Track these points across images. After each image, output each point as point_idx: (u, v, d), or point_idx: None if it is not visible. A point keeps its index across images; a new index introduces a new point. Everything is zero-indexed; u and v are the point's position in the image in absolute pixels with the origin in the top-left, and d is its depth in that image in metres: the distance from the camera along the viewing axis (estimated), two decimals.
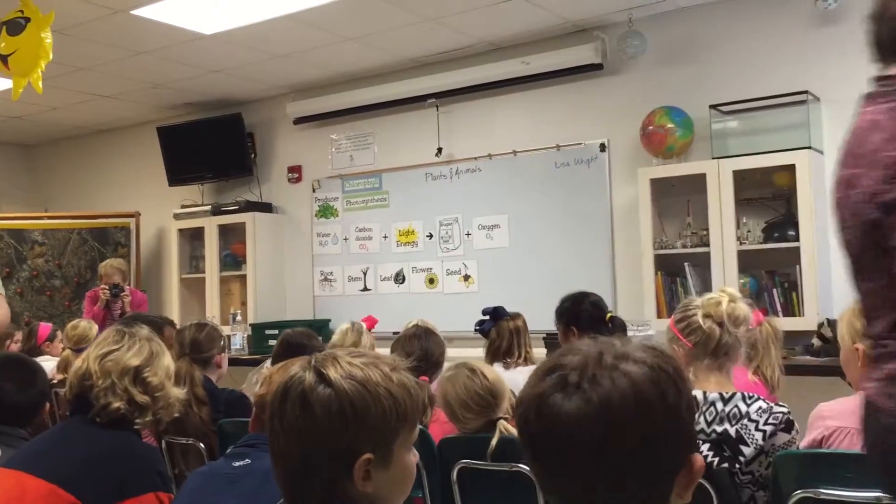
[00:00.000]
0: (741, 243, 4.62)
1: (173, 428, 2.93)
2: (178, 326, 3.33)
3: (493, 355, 3.70)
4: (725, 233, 4.60)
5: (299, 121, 6.66)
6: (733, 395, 2.15)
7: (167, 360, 2.22)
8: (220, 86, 6.47)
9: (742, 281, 4.60)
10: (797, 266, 4.44)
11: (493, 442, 2.48)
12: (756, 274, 4.68)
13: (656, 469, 0.98)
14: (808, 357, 4.32)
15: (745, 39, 4.89)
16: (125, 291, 5.91)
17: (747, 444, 2.07)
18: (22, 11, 4.07)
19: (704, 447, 2.10)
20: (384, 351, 3.11)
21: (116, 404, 2.04)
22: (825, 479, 1.98)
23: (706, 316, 2.21)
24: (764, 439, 2.07)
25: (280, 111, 6.70)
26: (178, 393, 2.23)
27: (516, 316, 3.75)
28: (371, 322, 4.00)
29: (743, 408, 2.12)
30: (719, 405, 2.14)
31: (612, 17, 5.14)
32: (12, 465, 1.99)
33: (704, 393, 2.17)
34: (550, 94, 5.59)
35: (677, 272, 4.87)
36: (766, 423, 2.08)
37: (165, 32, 5.11)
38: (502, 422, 2.53)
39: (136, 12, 4.76)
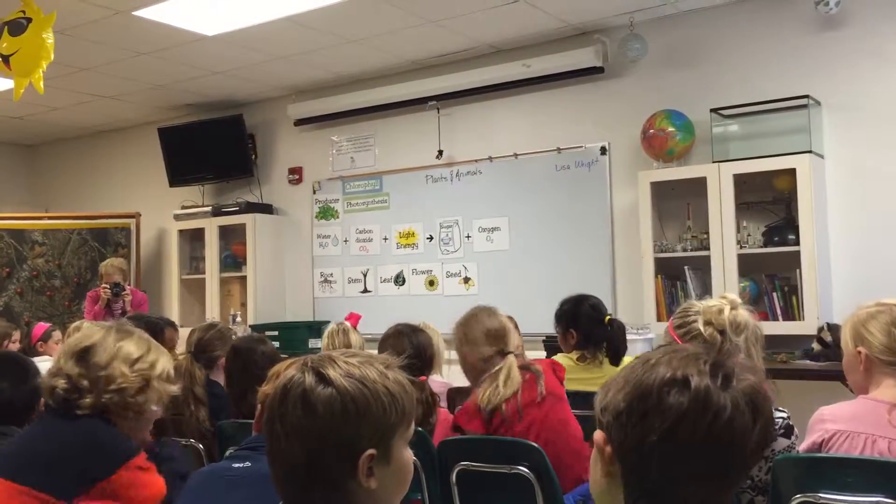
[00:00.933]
0: (741, 247, 4.62)
1: (172, 428, 2.92)
2: (178, 327, 3.33)
3: None
4: (726, 236, 4.60)
5: (300, 122, 6.66)
6: None
7: (130, 347, 2.07)
8: (221, 87, 6.48)
9: (742, 284, 4.60)
10: (797, 270, 4.44)
11: (506, 371, 2.67)
12: (756, 278, 4.68)
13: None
14: (807, 361, 4.31)
15: (746, 43, 4.89)
16: (126, 291, 5.91)
17: None
18: (24, 12, 4.07)
19: None
20: (373, 349, 3.11)
21: (59, 385, 1.97)
22: (825, 483, 1.98)
23: (707, 323, 2.19)
24: None
25: (281, 112, 6.71)
26: (163, 387, 2.09)
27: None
28: (354, 319, 3.97)
29: None
30: None
31: (613, 20, 5.14)
32: None
33: None
34: (551, 97, 5.60)
35: (677, 275, 4.87)
36: None
37: (167, 33, 5.12)
38: (511, 356, 2.76)
39: (137, 13, 4.76)
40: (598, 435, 1.08)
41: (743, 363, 1.06)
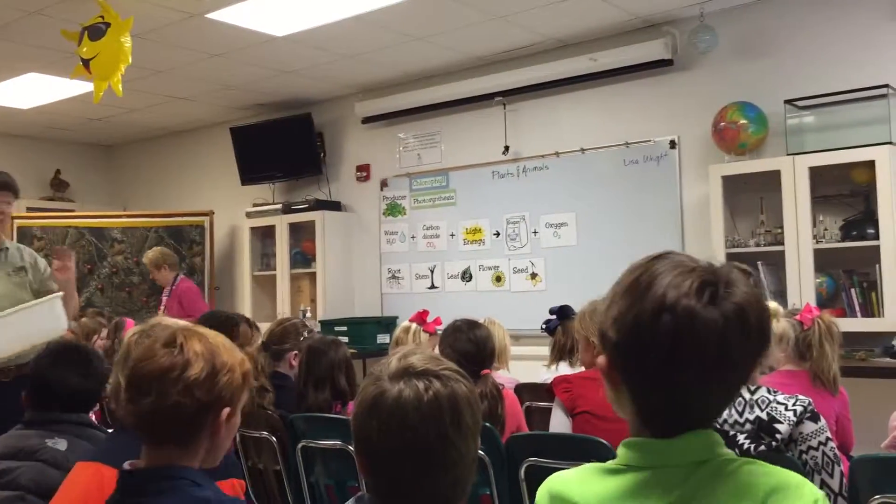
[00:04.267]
0: (817, 242, 4.50)
1: (245, 421, 2.99)
2: (253, 323, 3.42)
3: (559, 354, 3.69)
4: (801, 231, 4.48)
5: (367, 120, 6.73)
6: (758, 387, 2.25)
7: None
8: (290, 86, 6.59)
9: (819, 280, 4.48)
10: (877, 265, 4.30)
11: None
12: (833, 273, 4.55)
13: None
14: (887, 359, 4.18)
15: (821, 32, 4.75)
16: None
17: (780, 422, 2.15)
18: (102, 17, 4.21)
19: (741, 437, 2.18)
20: None
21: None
22: None
23: None
24: (794, 421, 2.16)
25: (349, 111, 6.79)
26: None
27: None
28: (421, 318, 3.81)
29: (769, 396, 2.23)
30: (746, 395, 2.24)
31: (682, 11, 5.06)
32: (91, 459, 2.07)
33: None
34: (619, 91, 5.53)
35: (750, 272, 4.75)
36: (793, 406, 2.18)
37: (238, 35, 5.23)
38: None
39: (210, 16, 4.88)
40: (602, 360, 1.13)
41: (734, 275, 1.09)
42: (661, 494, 1.06)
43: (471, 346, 2.99)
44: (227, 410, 1.58)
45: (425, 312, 3.86)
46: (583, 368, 3.17)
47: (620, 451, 1.13)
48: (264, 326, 3.86)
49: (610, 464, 1.14)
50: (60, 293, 3.66)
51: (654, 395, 1.09)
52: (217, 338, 1.65)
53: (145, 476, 1.57)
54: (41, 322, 3.55)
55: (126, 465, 1.58)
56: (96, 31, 4.22)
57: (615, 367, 1.12)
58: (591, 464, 1.17)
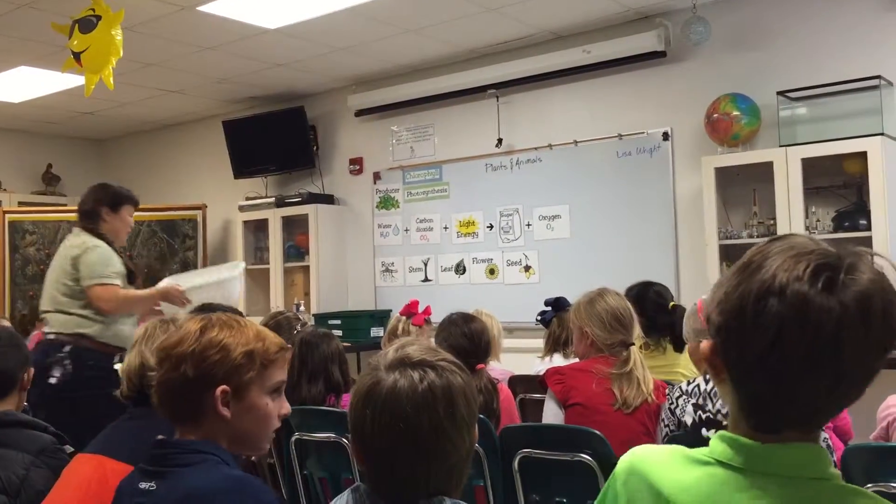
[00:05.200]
0: (810, 233, 4.51)
1: None
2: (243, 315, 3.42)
3: (553, 345, 3.72)
4: (794, 222, 4.49)
5: (360, 113, 6.72)
6: None
7: None
8: (283, 79, 6.57)
9: None
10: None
11: (632, 362, 2.75)
12: None
13: None
14: None
15: (814, 23, 4.76)
16: None
17: None
18: (93, 10, 4.18)
19: (711, 433, 2.15)
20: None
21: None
22: None
23: None
24: None
25: (342, 103, 6.77)
26: None
27: None
28: (410, 310, 3.85)
29: None
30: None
31: (675, 3, 5.05)
32: (91, 451, 2.06)
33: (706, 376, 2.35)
34: (612, 83, 5.53)
35: None
36: None
37: (230, 27, 5.21)
38: (634, 348, 2.81)
39: (202, 8, 4.86)
40: (706, 345, 1.05)
41: (859, 260, 0.98)
42: (750, 500, 0.99)
43: (465, 340, 3.00)
44: (221, 388, 1.60)
45: (414, 303, 3.86)
46: (576, 360, 3.18)
47: (714, 442, 1.05)
48: (258, 320, 3.85)
49: (698, 453, 1.06)
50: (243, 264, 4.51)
51: (755, 385, 1.00)
52: (231, 319, 1.68)
53: (175, 447, 1.61)
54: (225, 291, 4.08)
55: (159, 437, 1.64)
56: (87, 24, 4.20)
57: (718, 352, 1.03)
58: (677, 447, 1.10)
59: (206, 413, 1.61)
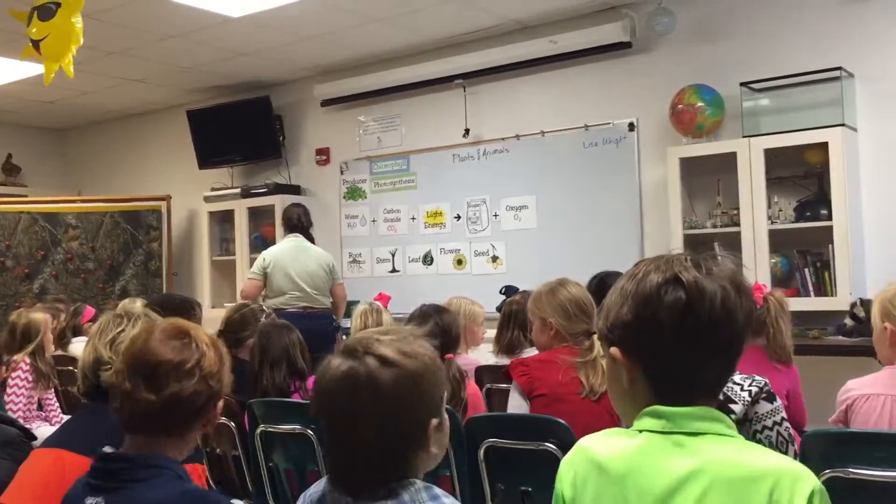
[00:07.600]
0: (772, 222, 4.57)
1: None
2: (203, 307, 3.39)
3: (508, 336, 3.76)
4: (756, 212, 4.55)
5: (327, 103, 6.67)
6: None
7: None
8: (248, 68, 6.51)
9: (774, 260, 4.55)
10: (829, 245, 4.38)
11: (596, 350, 2.73)
12: (788, 253, 4.62)
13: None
14: (840, 337, 4.26)
15: (776, 15, 4.81)
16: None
17: (735, 402, 2.12)
18: None
19: None
20: None
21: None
22: (854, 458, 1.97)
23: None
24: (748, 401, 2.12)
25: (308, 93, 6.72)
26: None
27: (526, 294, 3.76)
28: (384, 300, 3.98)
29: None
30: None
31: None
32: (50, 445, 2.03)
33: None
34: (579, 74, 5.55)
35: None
36: (749, 386, 2.14)
37: (194, 16, 5.14)
38: (595, 337, 2.73)
39: None
40: (615, 351, 1.21)
41: (713, 254, 1.23)
42: (671, 457, 1.15)
43: (437, 330, 3.01)
44: (221, 402, 1.66)
45: (383, 297, 3.91)
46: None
47: (639, 420, 1.21)
48: (223, 312, 3.82)
49: (629, 429, 1.23)
50: None
51: (672, 363, 1.17)
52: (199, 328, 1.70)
53: (130, 461, 1.56)
54: None
55: (107, 449, 1.58)
56: (46, 12, 4.11)
57: (627, 353, 1.20)
58: (615, 429, 1.27)
59: (195, 429, 1.61)
